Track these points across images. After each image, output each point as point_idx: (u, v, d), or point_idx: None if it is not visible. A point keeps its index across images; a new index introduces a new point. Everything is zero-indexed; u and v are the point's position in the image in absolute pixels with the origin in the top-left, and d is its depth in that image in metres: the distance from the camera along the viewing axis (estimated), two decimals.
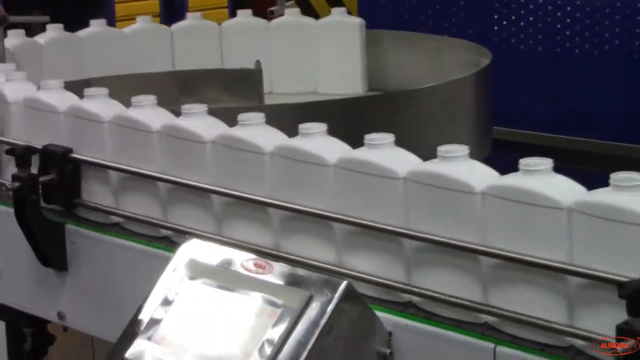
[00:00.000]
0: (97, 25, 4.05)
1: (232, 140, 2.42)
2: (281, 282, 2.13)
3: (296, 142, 2.33)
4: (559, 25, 4.81)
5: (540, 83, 4.86)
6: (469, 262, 2.09)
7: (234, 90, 3.85)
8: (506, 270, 2.02)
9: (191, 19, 4.28)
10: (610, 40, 4.66)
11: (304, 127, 2.34)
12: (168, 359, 2.12)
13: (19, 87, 3.00)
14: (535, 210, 1.95)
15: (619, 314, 1.81)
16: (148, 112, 2.64)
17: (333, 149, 2.30)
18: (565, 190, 1.96)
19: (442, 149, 2.09)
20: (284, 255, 2.35)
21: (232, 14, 4.47)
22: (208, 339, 2.13)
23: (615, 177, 1.88)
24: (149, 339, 2.16)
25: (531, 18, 4.92)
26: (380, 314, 2.16)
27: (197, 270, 2.23)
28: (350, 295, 2.08)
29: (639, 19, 4.57)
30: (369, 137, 2.22)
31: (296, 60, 4.10)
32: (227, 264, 2.22)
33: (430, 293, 2.15)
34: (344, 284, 2.07)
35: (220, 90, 3.86)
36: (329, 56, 4.10)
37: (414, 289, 2.17)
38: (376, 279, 2.23)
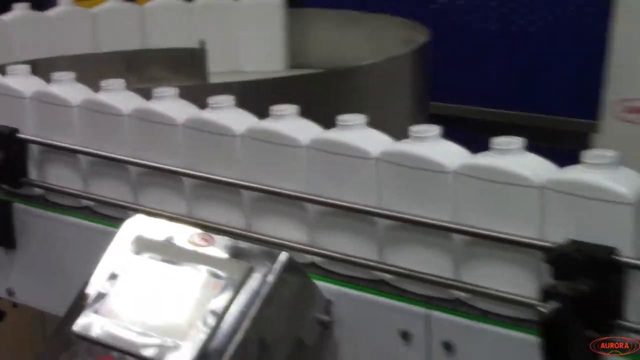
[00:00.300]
0: (20, 9, 3.98)
1: (203, 123, 2.41)
2: (224, 255, 2.14)
3: (268, 124, 2.33)
4: (493, 3, 4.90)
5: (473, 61, 4.95)
6: (441, 239, 2.10)
7: (178, 69, 3.86)
8: (477, 246, 2.04)
9: (114, 1, 4.23)
10: (542, 19, 4.79)
11: (276, 108, 2.33)
12: (114, 331, 2.12)
13: None
14: (507, 188, 1.95)
15: None
16: (117, 96, 2.62)
17: (305, 130, 2.30)
18: (537, 168, 1.96)
19: (414, 129, 2.09)
20: (229, 229, 2.36)
21: None
22: (153, 311, 2.14)
23: (588, 155, 1.88)
24: (96, 312, 2.17)
25: None
26: (320, 284, 2.18)
27: (142, 245, 2.24)
28: (290, 266, 2.10)
29: None
30: (342, 118, 2.21)
31: (219, 39, 4.10)
32: (171, 239, 2.23)
33: (398, 269, 2.17)
34: (284, 255, 2.10)
35: (167, 69, 3.86)
36: (252, 35, 4.13)
37: (380, 265, 2.19)
38: (342, 256, 2.24)
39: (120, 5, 4.21)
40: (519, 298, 1.97)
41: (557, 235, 1.88)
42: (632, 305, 1.84)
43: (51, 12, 3.99)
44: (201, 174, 2.41)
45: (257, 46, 4.13)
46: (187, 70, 3.85)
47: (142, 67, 3.82)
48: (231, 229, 2.35)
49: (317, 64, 3.70)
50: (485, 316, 2.03)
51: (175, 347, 2.04)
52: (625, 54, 3.51)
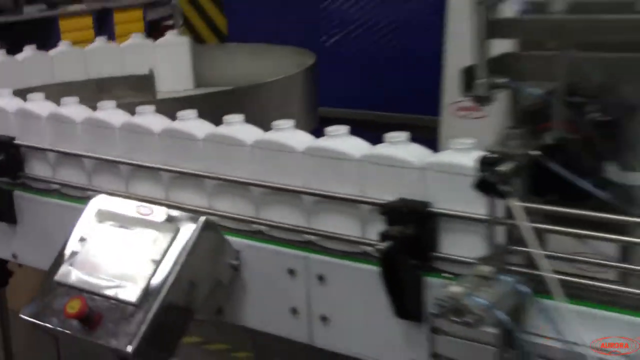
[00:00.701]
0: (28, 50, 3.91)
1: (174, 131, 2.38)
2: (160, 220, 2.15)
3: (221, 129, 2.29)
4: (365, 32, 4.95)
5: (354, 75, 4.98)
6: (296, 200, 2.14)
7: (135, 90, 3.82)
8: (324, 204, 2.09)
9: (64, 46, 4.07)
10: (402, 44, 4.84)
11: (226, 118, 2.29)
12: (84, 278, 2.14)
13: None
14: (397, 170, 1.94)
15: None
16: (113, 113, 2.58)
17: (250, 133, 2.26)
18: (419, 154, 1.95)
19: (329, 130, 2.08)
20: (167, 202, 2.36)
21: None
22: (113, 263, 2.15)
23: (453, 143, 1.88)
24: (71, 265, 2.19)
25: (349, 27, 5.05)
26: (232, 239, 2.20)
27: (103, 216, 2.25)
28: (207, 226, 2.10)
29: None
30: (275, 123, 2.18)
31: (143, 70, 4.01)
32: (125, 210, 2.24)
33: (270, 223, 2.21)
34: (202, 218, 2.10)
35: (127, 90, 3.82)
36: (166, 66, 4.03)
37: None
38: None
39: (104, 45, 4.11)
40: (366, 240, 2.02)
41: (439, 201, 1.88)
42: (442, 242, 1.90)
43: (52, 52, 3.94)
44: (175, 168, 2.38)
45: (172, 72, 4.03)
46: (141, 90, 3.82)
47: (110, 89, 3.78)
48: (165, 202, 2.36)
49: (232, 84, 3.68)
50: (346, 255, 2.07)
51: (128, 287, 2.06)
52: (456, 58, 3.30)
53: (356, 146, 2.05)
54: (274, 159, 2.17)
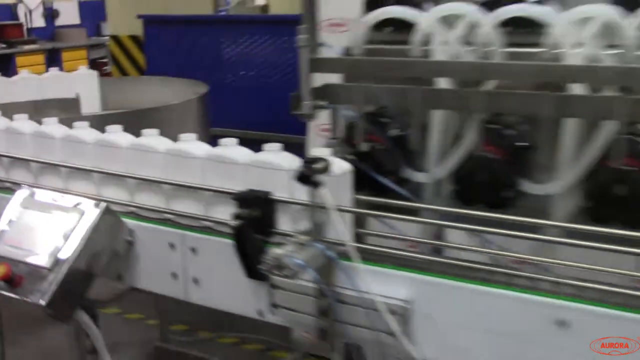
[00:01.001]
0: None
1: (104, 141, 2.35)
2: (70, 205, 2.16)
3: (140, 139, 2.27)
4: (255, 69, 5.04)
5: (239, 102, 5.05)
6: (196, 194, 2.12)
7: (66, 109, 3.80)
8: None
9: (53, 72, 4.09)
10: (272, 77, 4.90)
11: (144, 132, 2.27)
12: (10, 249, 2.14)
13: None
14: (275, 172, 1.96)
15: None
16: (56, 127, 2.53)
17: (162, 142, 2.24)
18: (288, 160, 1.96)
19: (266, 146, 2.00)
20: (75, 193, 2.32)
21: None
22: (32, 238, 2.15)
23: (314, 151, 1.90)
24: (0, 240, 2.19)
25: (243, 67, 5.13)
26: (126, 220, 2.22)
27: (26, 203, 2.25)
28: (107, 210, 2.14)
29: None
30: (221, 141, 2.10)
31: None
32: (43, 199, 2.23)
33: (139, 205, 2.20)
34: (104, 204, 2.13)
35: (60, 109, 3.80)
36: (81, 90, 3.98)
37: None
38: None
39: (56, 73, 4.07)
40: (223, 220, 2.06)
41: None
42: (279, 220, 1.96)
43: (13, 78, 3.90)
44: (104, 170, 2.34)
45: (83, 97, 3.97)
46: (70, 109, 3.81)
47: (46, 109, 3.72)
48: (80, 194, 2.32)
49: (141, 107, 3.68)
50: (212, 231, 2.10)
51: (43, 256, 2.08)
52: None
53: (242, 153, 2.07)
54: (180, 162, 2.16)
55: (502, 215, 1.80)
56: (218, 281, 2.09)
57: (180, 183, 2.16)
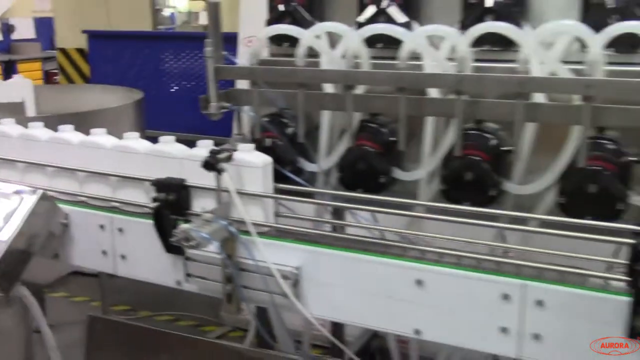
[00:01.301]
0: None
1: (59, 139, 2.30)
2: (11, 192, 2.14)
3: (90, 137, 2.23)
4: (188, 79, 5.04)
5: (172, 108, 5.08)
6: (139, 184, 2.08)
7: (13, 112, 3.65)
8: None
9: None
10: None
11: (93, 131, 2.22)
12: None
13: None
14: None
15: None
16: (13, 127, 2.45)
17: (109, 141, 2.20)
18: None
19: (241, 146, 1.93)
20: (14, 182, 2.26)
21: None
22: None
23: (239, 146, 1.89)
24: None
25: (179, 77, 5.13)
26: (62, 205, 2.19)
27: None
28: (44, 197, 2.13)
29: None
30: (161, 138, 2.07)
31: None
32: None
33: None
34: (40, 191, 2.13)
35: (8, 112, 3.61)
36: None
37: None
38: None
39: None
40: (143, 204, 2.07)
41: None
42: (193, 203, 1.98)
43: None
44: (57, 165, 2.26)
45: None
46: (17, 112, 3.72)
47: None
48: (15, 182, 2.27)
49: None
50: (136, 214, 2.09)
51: None
52: None
53: (178, 149, 2.06)
54: (125, 157, 2.15)
55: (378, 196, 1.93)
56: (142, 256, 2.10)
57: (124, 175, 2.15)
